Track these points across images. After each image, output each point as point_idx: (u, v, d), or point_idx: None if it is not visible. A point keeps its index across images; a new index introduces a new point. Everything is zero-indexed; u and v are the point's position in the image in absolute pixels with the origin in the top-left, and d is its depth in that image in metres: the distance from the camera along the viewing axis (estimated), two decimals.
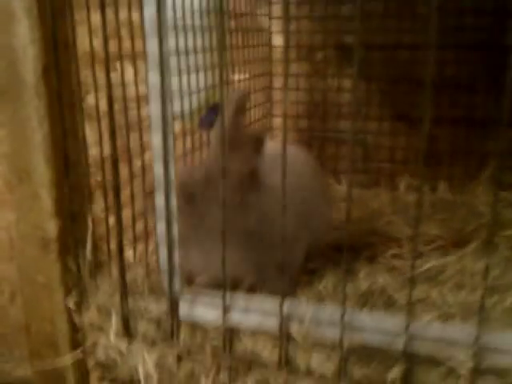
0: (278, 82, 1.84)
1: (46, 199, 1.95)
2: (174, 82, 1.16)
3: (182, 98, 1.23)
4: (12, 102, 1.86)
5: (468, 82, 1.62)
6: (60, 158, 1.17)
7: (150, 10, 0.82)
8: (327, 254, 1.28)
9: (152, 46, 0.83)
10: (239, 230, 1.02)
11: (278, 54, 1.83)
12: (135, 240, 1.09)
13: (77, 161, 1.16)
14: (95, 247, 1.01)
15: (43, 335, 2.09)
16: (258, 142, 1.01)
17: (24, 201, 1.95)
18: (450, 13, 1.58)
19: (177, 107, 1.26)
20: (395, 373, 0.84)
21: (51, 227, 1.97)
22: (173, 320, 0.93)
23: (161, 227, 0.89)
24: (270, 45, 1.81)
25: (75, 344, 2.15)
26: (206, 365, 0.93)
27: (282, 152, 0.78)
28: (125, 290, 0.96)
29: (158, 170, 0.88)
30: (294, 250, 1.10)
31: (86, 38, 1.07)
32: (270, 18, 1.78)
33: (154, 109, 0.87)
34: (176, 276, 0.91)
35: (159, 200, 0.88)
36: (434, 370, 0.83)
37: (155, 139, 0.88)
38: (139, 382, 0.95)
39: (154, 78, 0.85)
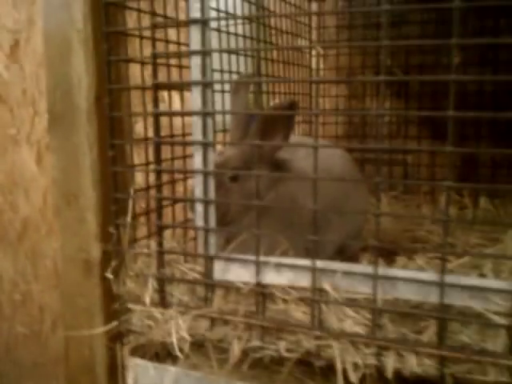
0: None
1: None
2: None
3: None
4: (65, 127, 1.98)
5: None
6: (106, 183, 1.21)
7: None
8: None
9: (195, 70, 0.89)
10: (272, 209, 1.06)
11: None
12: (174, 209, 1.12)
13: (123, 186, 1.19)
14: (135, 217, 1.04)
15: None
16: (287, 120, 1.05)
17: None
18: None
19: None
20: (431, 328, 0.82)
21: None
22: (207, 281, 0.94)
23: (198, 187, 0.92)
24: (310, 67, 1.88)
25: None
26: (239, 328, 0.93)
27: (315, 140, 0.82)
28: (161, 258, 0.98)
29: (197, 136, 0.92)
30: (324, 234, 1.11)
31: (136, 69, 1.13)
32: (311, 43, 1.86)
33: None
34: (211, 236, 0.93)
35: (197, 159, 0.91)
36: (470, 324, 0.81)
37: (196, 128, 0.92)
38: (173, 347, 0.95)
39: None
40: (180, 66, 1.15)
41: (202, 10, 0.86)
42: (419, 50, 1.73)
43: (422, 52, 1.74)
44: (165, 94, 1.30)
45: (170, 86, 1.07)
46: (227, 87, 1.31)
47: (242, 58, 1.41)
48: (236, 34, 1.37)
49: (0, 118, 2.42)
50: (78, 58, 1.90)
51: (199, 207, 0.92)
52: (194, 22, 0.85)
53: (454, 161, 1.75)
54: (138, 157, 1.89)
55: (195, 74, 0.87)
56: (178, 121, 1.26)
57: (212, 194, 0.93)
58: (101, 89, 1.93)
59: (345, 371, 0.85)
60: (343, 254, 1.20)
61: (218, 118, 1.38)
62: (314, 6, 1.85)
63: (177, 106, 1.47)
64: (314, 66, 1.90)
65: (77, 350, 2.03)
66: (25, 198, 2.44)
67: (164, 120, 1.21)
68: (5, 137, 2.41)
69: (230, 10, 1.36)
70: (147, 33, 0.97)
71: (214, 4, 1.34)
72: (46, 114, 1.99)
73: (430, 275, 0.81)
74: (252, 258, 0.90)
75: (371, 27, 1.81)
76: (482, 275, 0.98)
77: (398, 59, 1.79)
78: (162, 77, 1.04)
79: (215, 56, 1.29)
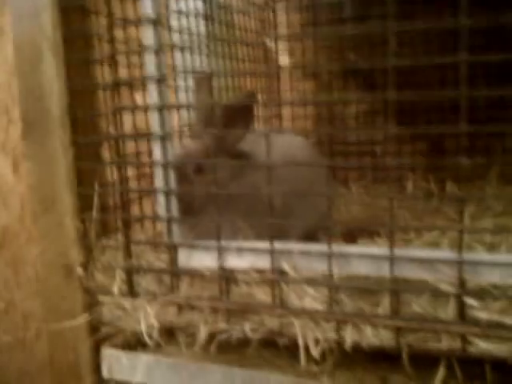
0: (285, 98, 1.94)
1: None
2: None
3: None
4: (39, 134, 1.99)
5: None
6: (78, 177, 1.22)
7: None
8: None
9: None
10: (236, 200, 1.09)
11: (285, 74, 1.94)
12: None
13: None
14: (102, 210, 1.07)
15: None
16: (246, 111, 1.09)
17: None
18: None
19: None
20: (385, 301, 0.86)
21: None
22: (172, 269, 0.97)
23: (158, 178, 0.96)
24: (277, 65, 1.92)
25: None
26: (205, 312, 0.96)
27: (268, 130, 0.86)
28: (128, 248, 1.01)
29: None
30: (287, 218, 1.15)
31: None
32: (277, 40, 1.90)
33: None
34: (174, 225, 0.97)
35: (157, 152, 0.95)
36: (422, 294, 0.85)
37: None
38: (143, 335, 0.98)
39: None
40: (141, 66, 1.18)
41: (156, 9, 0.89)
42: (382, 42, 1.78)
43: (384, 43, 1.78)
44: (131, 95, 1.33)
45: (129, 83, 1.10)
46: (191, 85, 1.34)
47: (205, 59, 1.44)
48: (193, 34, 1.41)
49: None
50: (48, 64, 1.92)
51: (161, 198, 0.95)
52: (148, 21, 0.88)
53: (421, 148, 1.81)
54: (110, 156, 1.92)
55: (150, 69, 0.91)
56: (142, 121, 1.28)
57: (173, 185, 0.96)
58: (71, 92, 1.96)
59: (307, 347, 0.89)
60: (310, 239, 1.23)
61: (184, 114, 1.41)
62: (279, 4, 1.90)
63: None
64: (281, 62, 1.94)
65: (61, 353, 2.04)
66: (3, 207, 2.44)
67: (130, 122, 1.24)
68: None
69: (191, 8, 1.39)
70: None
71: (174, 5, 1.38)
72: (19, 122, 2.01)
73: (380, 250, 0.85)
74: (213, 243, 0.93)
75: (335, 22, 1.85)
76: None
77: (361, 53, 1.83)
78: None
79: (178, 56, 1.33)
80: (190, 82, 1.33)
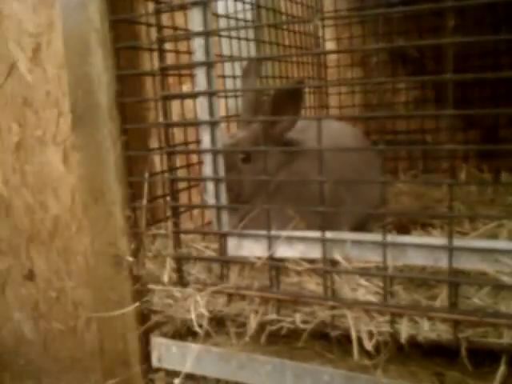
0: (331, 89, 1.90)
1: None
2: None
3: None
4: (88, 126, 2.02)
5: None
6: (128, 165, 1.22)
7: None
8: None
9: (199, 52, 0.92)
10: (285, 188, 1.08)
11: (331, 62, 1.90)
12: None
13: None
14: (151, 200, 1.07)
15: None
16: (296, 98, 1.06)
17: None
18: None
19: None
20: (443, 293, 0.83)
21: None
22: (222, 257, 0.96)
23: (207, 166, 0.95)
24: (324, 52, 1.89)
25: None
26: (255, 302, 0.95)
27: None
28: (177, 237, 1.01)
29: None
30: (337, 207, 1.12)
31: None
32: (324, 26, 1.87)
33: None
34: (224, 213, 0.95)
35: (206, 139, 0.94)
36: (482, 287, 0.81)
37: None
38: (193, 324, 0.97)
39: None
40: (188, 52, 1.17)
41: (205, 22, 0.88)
42: (433, 28, 1.72)
43: (435, 30, 1.72)
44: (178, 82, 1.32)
45: (177, 70, 1.10)
46: (238, 73, 1.33)
47: (252, 46, 1.42)
48: (241, 20, 1.39)
49: (26, 121, 2.49)
50: (96, 56, 1.94)
51: (210, 186, 0.94)
52: (195, 4, 0.87)
53: (473, 137, 1.74)
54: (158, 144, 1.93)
55: (199, 55, 0.89)
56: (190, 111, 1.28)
57: (222, 173, 0.95)
58: (120, 86, 1.98)
59: (360, 340, 0.87)
60: (361, 230, 1.20)
61: (232, 102, 1.40)
62: None
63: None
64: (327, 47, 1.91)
65: (111, 342, 2.08)
66: (54, 198, 2.51)
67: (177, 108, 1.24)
68: (32, 138, 2.49)
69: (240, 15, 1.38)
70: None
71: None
72: (69, 114, 2.04)
73: (438, 240, 0.82)
74: (263, 232, 0.91)
75: (383, 7, 1.80)
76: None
77: (410, 38, 1.78)
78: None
79: (225, 44, 1.32)
80: (238, 70, 1.31)
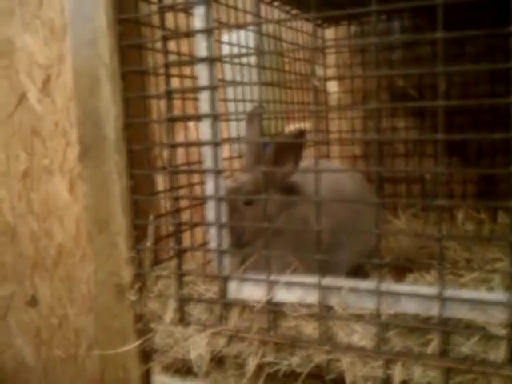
0: (334, 126, 1.96)
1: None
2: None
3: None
4: (95, 157, 2.08)
5: None
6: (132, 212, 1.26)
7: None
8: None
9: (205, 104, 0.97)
10: (285, 231, 1.12)
11: (333, 101, 1.96)
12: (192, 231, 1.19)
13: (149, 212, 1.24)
14: (156, 241, 1.11)
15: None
16: (297, 148, 1.12)
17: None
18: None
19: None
20: (435, 341, 0.86)
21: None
22: (222, 300, 1.00)
23: (210, 212, 0.99)
24: (325, 91, 1.94)
25: None
26: (254, 344, 0.98)
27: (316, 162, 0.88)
28: (180, 279, 1.05)
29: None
30: (336, 253, 1.16)
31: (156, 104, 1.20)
32: (325, 67, 1.93)
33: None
34: (225, 257, 0.99)
35: (209, 186, 0.98)
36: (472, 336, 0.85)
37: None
38: (192, 363, 1.00)
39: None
40: (195, 99, 1.22)
41: (209, 48, 0.93)
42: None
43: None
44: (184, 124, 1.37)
45: (183, 119, 1.15)
46: (241, 116, 1.37)
47: (255, 88, 1.48)
48: (245, 65, 1.45)
49: (34, 150, 2.54)
50: (105, 91, 2.00)
51: (212, 231, 0.98)
52: (202, 60, 0.92)
53: (471, 177, 1.78)
54: (164, 185, 1.98)
55: (204, 107, 0.94)
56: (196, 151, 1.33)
57: (224, 218, 0.99)
58: (127, 119, 2.04)
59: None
60: (357, 274, 1.24)
61: (235, 145, 1.45)
62: (328, 32, 1.92)
63: (194, 135, 1.55)
64: (330, 89, 1.96)
65: (111, 371, 2.10)
66: (59, 226, 2.55)
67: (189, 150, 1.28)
68: (39, 167, 2.54)
69: (243, 42, 1.43)
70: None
71: (226, 37, 1.42)
72: (77, 144, 2.10)
73: (430, 289, 0.85)
74: (263, 277, 0.95)
75: (384, 49, 1.86)
76: (491, 289, 1.01)
77: (411, 79, 1.84)
78: (178, 110, 1.11)
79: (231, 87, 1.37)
80: (242, 115, 1.36)
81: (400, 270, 1.27)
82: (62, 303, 2.63)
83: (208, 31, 0.92)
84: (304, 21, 1.75)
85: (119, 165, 2.04)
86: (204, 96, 0.95)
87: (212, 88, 0.93)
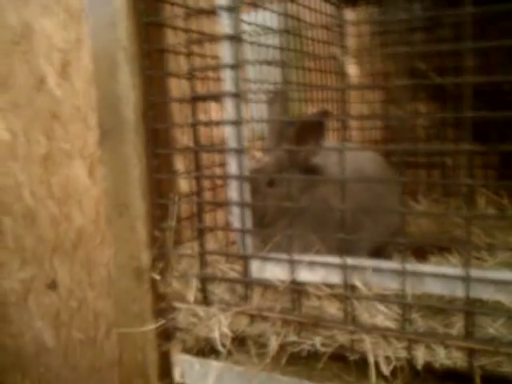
0: (353, 110, 1.94)
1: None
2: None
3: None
4: (115, 141, 2.08)
5: None
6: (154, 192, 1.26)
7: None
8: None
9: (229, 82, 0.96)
10: (306, 212, 1.11)
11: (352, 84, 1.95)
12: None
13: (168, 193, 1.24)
14: (179, 221, 1.11)
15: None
16: (319, 128, 1.11)
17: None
18: None
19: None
20: (459, 322, 0.86)
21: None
22: (245, 279, 1.00)
23: (234, 191, 0.99)
24: (345, 74, 1.92)
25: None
26: (276, 324, 0.98)
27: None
28: (203, 258, 1.05)
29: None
30: (357, 235, 1.16)
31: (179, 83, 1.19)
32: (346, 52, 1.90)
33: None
34: (248, 237, 0.99)
35: (232, 165, 0.98)
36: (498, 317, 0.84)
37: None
38: (216, 343, 1.01)
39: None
40: (218, 79, 1.22)
41: (234, 26, 0.93)
42: (454, 53, 1.74)
43: (456, 54, 1.75)
44: (206, 105, 1.37)
45: (207, 98, 1.14)
46: (263, 97, 1.37)
47: (277, 69, 1.47)
48: (267, 46, 1.43)
49: (54, 134, 2.56)
50: (124, 74, 2.00)
51: (235, 210, 0.98)
52: (225, 37, 0.92)
53: (492, 162, 1.76)
54: (184, 166, 1.98)
55: (228, 86, 0.94)
56: (219, 131, 1.33)
57: (247, 198, 0.99)
58: (147, 103, 2.03)
59: (377, 364, 0.90)
60: (379, 256, 1.23)
61: (257, 126, 1.44)
62: (348, 15, 1.90)
63: (218, 115, 1.54)
64: (350, 72, 1.95)
65: (130, 353, 2.12)
66: (79, 209, 2.57)
67: (208, 131, 1.29)
68: (59, 151, 2.55)
69: (265, 23, 1.42)
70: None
71: (248, 17, 1.41)
72: (96, 128, 2.11)
73: (455, 270, 0.84)
74: (286, 256, 0.95)
75: (404, 32, 1.83)
76: None
77: (432, 62, 1.81)
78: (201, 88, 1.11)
79: (251, 67, 1.36)
80: (262, 95, 1.36)
81: (422, 253, 1.26)
82: (81, 286, 2.65)
83: (232, 8, 0.92)
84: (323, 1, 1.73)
85: (138, 148, 2.04)
86: (228, 74, 0.94)
87: (236, 66, 0.92)
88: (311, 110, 1.75)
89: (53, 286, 2.72)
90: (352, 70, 1.94)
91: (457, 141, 1.83)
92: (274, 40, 1.45)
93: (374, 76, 1.91)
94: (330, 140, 1.58)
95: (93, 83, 2.26)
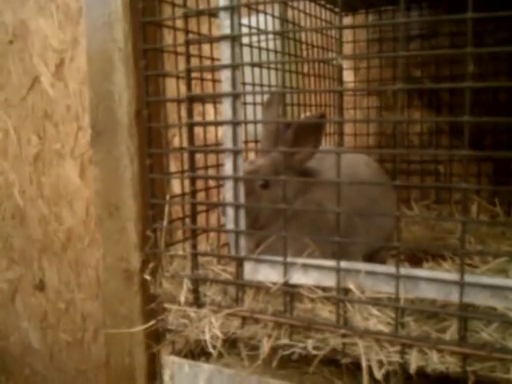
0: (347, 116, 1.94)
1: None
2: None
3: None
4: (107, 141, 2.08)
5: None
6: (146, 194, 1.25)
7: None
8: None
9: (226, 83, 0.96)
10: (301, 215, 1.11)
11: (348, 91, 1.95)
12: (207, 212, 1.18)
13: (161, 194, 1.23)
14: (171, 221, 1.10)
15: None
16: (316, 131, 1.10)
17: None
18: None
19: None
20: (453, 327, 0.85)
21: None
22: (238, 281, 0.99)
23: (228, 192, 0.98)
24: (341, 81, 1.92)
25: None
26: (268, 326, 0.97)
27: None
28: (195, 259, 1.04)
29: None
30: (350, 236, 1.15)
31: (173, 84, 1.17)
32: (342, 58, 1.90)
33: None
34: (242, 238, 0.99)
35: (228, 166, 0.97)
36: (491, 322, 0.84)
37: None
38: (206, 344, 1.00)
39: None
40: (213, 80, 1.22)
41: (232, 26, 0.92)
42: (450, 61, 1.75)
43: (452, 62, 1.76)
44: (201, 107, 1.36)
45: (203, 99, 1.14)
46: (258, 100, 1.36)
47: (273, 72, 1.47)
48: (264, 49, 1.43)
49: (45, 134, 2.54)
50: (119, 74, 2.00)
51: (230, 211, 0.98)
52: (225, 38, 0.91)
53: (486, 170, 1.77)
54: (175, 167, 1.96)
55: (226, 86, 0.93)
56: (212, 134, 1.32)
57: (242, 199, 0.98)
58: (140, 103, 2.02)
59: (370, 368, 0.89)
60: (372, 260, 1.23)
61: (251, 129, 1.44)
62: (346, 21, 1.90)
63: (211, 118, 1.54)
64: (346, 78, 1.95)
65: (117, 356, 2.10)
66: (69, 210, 2.55)
67: (201, 133, 1.28)
68: (50, 151, 2.54)
69: (262, 27, 1.42)
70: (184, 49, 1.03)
71: (245, 21, 1.41)
72: (89, 128, 2.09)
73: (450, 275, 0.84)
74: (280, 259, 0.94)
75: (401, 40, 1.84)
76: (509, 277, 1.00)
77: (428, 70, 1.82)
78: (197, 91, 1.10)
79: (247, 70, 1.36)
80: (258, 97, 1.35)
81: (415, 259, 1.26)
82: (69, 288, 2.63)
83: (232, 9, 0.91)
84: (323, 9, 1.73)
85: (131, 149, 2.04)
86: (226, 75, 0.94)
87: (234, 66, 0.92)
88: (307, 114, 1.75)
89: (40, 286, 2.69)
90: (347, 76, 1.94)
91: (451, 148, 1.83)
92: (269, 44, 1.45)
93: (370, 82, 1.91)
94: (325, 145, 1.58)
95: (86, 83, 2.25)
